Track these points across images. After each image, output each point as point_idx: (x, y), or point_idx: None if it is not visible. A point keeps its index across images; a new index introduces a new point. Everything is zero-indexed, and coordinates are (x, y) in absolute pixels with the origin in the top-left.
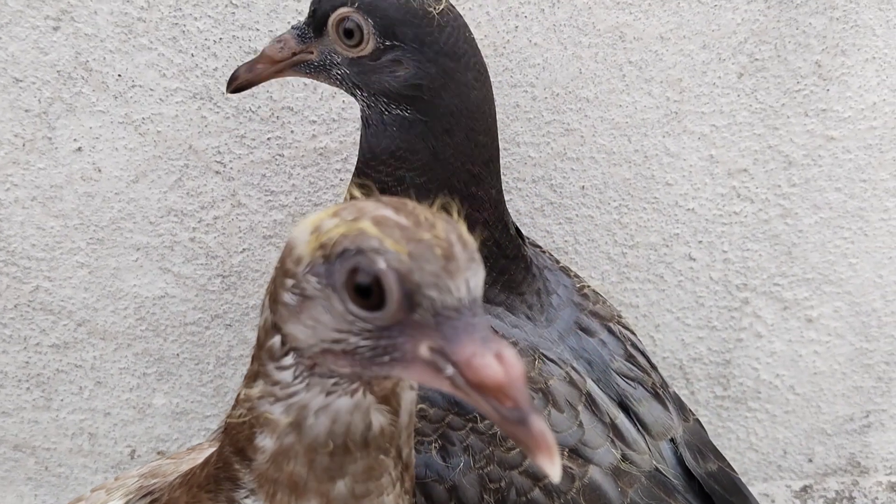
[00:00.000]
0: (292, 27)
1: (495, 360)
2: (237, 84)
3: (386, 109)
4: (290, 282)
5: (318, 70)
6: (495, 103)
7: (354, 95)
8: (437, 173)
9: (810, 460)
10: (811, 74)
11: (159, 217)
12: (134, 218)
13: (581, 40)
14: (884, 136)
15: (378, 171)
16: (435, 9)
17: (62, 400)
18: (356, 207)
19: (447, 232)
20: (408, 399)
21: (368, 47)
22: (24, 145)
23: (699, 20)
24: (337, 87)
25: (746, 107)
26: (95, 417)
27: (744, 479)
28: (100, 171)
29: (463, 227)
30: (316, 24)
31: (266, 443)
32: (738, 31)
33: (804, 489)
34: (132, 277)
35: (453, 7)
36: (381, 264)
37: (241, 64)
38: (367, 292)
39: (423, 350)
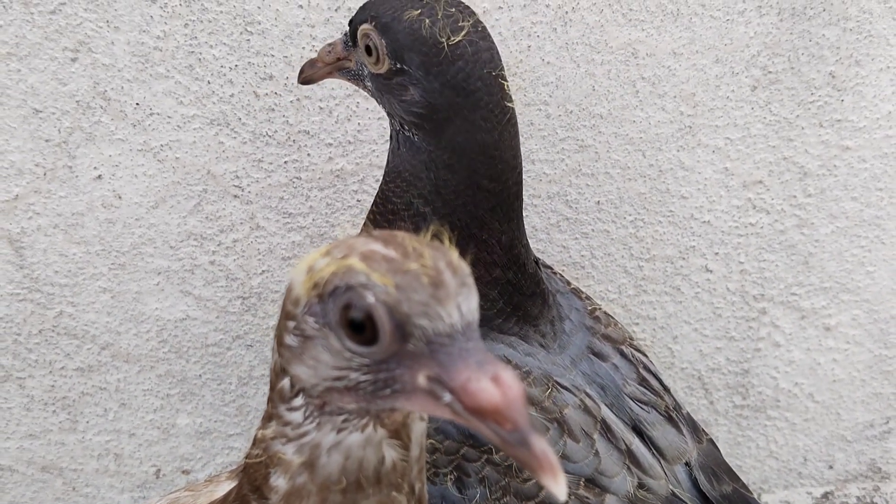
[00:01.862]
0: (344, 33)
1: (492, 382)
2: (302, 78)
3: (400, 129)
4: (291, 324)
5: (356, 78)
6: (515, 149)
7: (383, 109)
8: (439, 207)
9: (831, 467)
10: (825, 85)
11: (179, 241)
12: (154, 243)
13: (594, 58)
14: None
15: (391, 191)
16: (448, 40)
17: (88, 422)
18: (346, 244)
19: (435, 260)
20: (418, 431)
21: (384, 66)
22: (45, 174)
23: (711, 35)
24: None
25: (761, 119)
26: (121, 438)
27: (764, 487)
28: (120, 197)
29: (454, 254)
30: (351, 35)
31: (279, 482)
32: (751, 45)
33: (825, 496)
34: (154, 301)
35: (478, 43)
36: (370, 298)
37: (305, 62)
38: (361, 327)
39: (421, 379)
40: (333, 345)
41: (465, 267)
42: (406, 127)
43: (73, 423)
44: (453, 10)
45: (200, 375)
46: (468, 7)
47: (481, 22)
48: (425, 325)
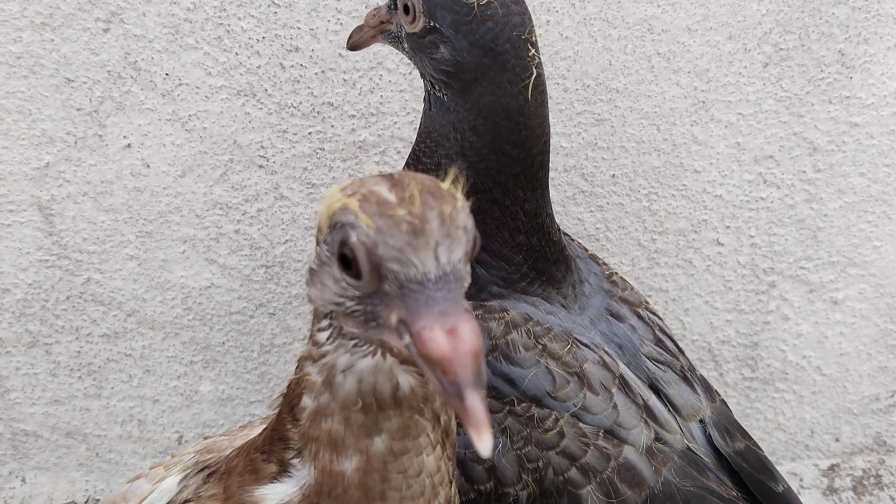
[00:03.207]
0: None
1: (446, 334)
2: (350, 43)
3: (432, 89)
4: (317, 249)
5: (395, 41)
6: (542, 118)
7: (417, 69)
8: (464, 169)
9: (837, 440)
10: (835, 63)
11: (205, 210)
12: (181, 211)
13: (611, 33)
14: None
15: (422, 151)
16: (479, 0)
17: (112, 388)
18: (359, 182)
19: (425, 208)
20: None
21: (419, 24)
22: (75, 143)
23: (725, 12)
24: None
25: (772, 95)
26: (144, 404)
27: (772, 459)
28: (148, 166)
29: (453, 204)
30: None
31: (307, 402)
32: (763, 22)
33: (831, 468)
34: (179, 269)
35: (509, 6)
36: (353, 238)
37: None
38: (349, 263)
39: (394, 318)
40: (334, 273)
41: (460, 218)
42: (437, 87)
43: (98, 388)
44: None
45: (224, 343)
46: None
47: None
48: (397, 269)
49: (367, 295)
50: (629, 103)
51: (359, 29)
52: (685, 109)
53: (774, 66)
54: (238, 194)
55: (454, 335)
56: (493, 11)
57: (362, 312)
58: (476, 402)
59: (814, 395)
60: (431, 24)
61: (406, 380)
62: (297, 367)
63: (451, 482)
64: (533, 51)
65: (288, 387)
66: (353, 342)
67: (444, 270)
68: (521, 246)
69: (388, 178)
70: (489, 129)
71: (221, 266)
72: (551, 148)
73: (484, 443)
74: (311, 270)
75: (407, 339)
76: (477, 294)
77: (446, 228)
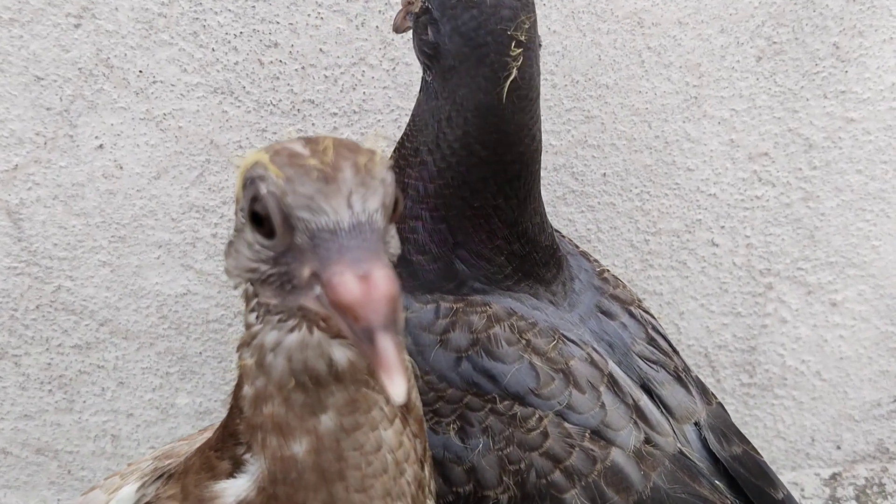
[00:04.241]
0: None
1: (358, 280)
2: (394, 26)
3: (423, 73)
4: (235, 220)
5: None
6: (521, 125)
7: None
8: (438, 160)
9: (838, 447)
10: (829, 56)
11: (181, 213)
12: (156, 215)
13: (600, 27)
14: None
15: (406, 136)
16: None
17: (84, 401)
18: (274, 142)
19: (338, 158)
20: None
21: (418, 4)
22: (45, 144)
23: (717, 4)
24: None
25: (766, 90)
26: (118, 419)
27: (772, 468)
28: (121, 168)
29: (370, 156)
30: None
31: (247, 390)
32: (756, 15)
33: (833, 477)
34: (154, 275)
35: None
36: (263, 189)
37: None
38: (261, 220)
39: (306, 273)
40: (247, 237)
41: (376, 169)
42: (424, 70)
43: (70, 402)
44: None
45: (201, 353)
46: None
47: None
48: (307, 217)
49: (280, 254)
50: (619, 99)
51: (400, 11)
52: (677, 105)
53: (768, 61)
54: (215, 196)
55: (367, 281)
56: (478, 1)
57: (277, 276)
58: (387, 344)
59: (814, 402)
60: (426, 4)
61: (342, 354)
62: (238, 357)
63: (420, 462)
64: (518, 50)
65: (236, 381)
66: (277, 317)
67: (359, 219)
68: (502, 249)
69: (304, 137)
70: (460, 123)
71: (198, 272)
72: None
73: (396, 387)
74: (229, 243)
75: (318, 290)
76: (457, 289)
77: (361, 177)
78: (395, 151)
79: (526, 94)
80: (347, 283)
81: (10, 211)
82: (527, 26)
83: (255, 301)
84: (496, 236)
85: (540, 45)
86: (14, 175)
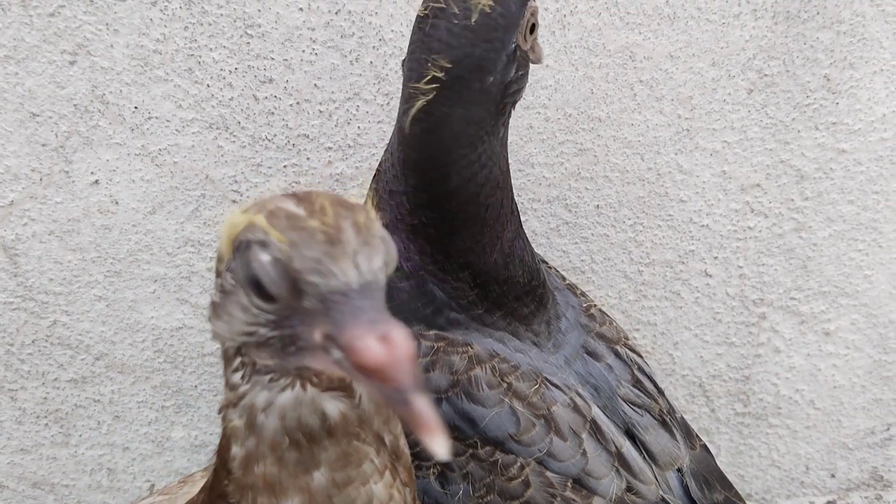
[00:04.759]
0: None
1: (379, 341)
2: None
3: None
4: (218, 281)
5: None
6: (443, 166)
7: None
8: (399, 180)
9: (833, 475)
10: (820, 88)
11: (176, 248)
12: (151, 249)
13: (592, 61)
14: (895, 148)
15: (384, 153)
16: (422, 8)
17: (80, 435)
18: (262, 201)
19: (338, 218)
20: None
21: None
22: (41, 180)
23: (708, 38)
24: None
25: (757, 122)
26: (114, 452)
27: (767, 497)
28: (117, 203)
29: (366, 214)
30: None
31: (236, 451)
32: (747, 48)
33: None
34: (150, 309)
35: (438, 25)
36: (264, 256)
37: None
38: (260, 285)
39: (318, 336)
40: (242, 300)
41: (374, 227)
42: None
43: (66, 436)
44: None
45: (196, 386)
46: None
47: (493, 14)
48: (317, 281)
49: (283, 317)
50: (612, 132)
51: None
52: (669, 138)
53: (759, 93)
54: (211, 231)
55: (387, 342)
56: (421, 24)
57: (279, 338)
58: (423, 405)
59: (808, 430)
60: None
61: (334, 407)
62: (222, 419)
63: None
64: (430, 86)
65: (220, 441)
66: (268, 377)
67: (366, 279)
68: (464, 280)
69: (293, 195)
70: (392, 140)
71: (193, 306)
72: (534, 179)
73: (439, 445)
74: (213, 304)
75: (337, 354)
76: (433, 316)
77: (363, 237)
78: (378, 167)
79: (432, 129)
80: (371, 347)
81: (6, 246)
82: (448, 65)
83: (237, 361)
84: (475, 274)
85: (511, 93)
86: (10, 211)
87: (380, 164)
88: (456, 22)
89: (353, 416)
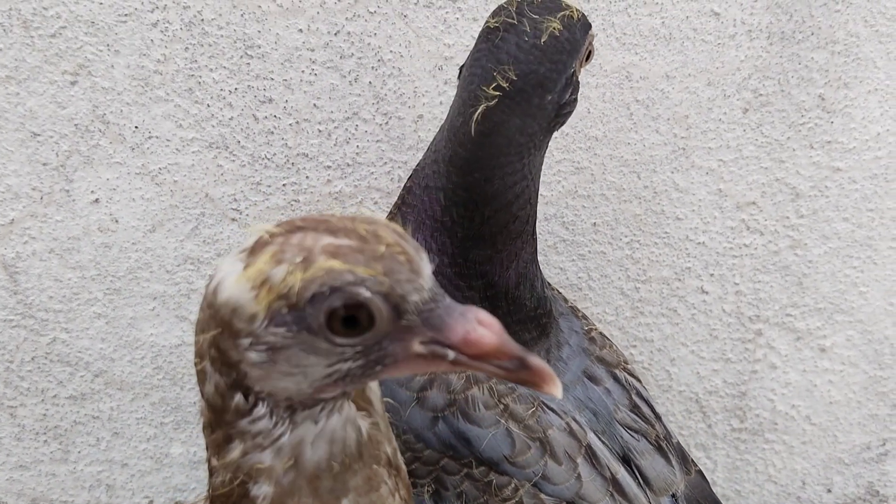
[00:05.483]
0: None
1: (482, 327)
2: None
3: None
4: (246, 341)
5: None
6: (489, 168)
7: None
8: (439, 188)
9: (829, 490)
10: (815, 108)
11: (176, 266)
12: (151, 267)
13: (589, 81)
14: (889, 166)
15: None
16: (492, 21)
17: (80, 452)
18: (295, 247)
19: (393, 237)
20: (375, 391)
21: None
22: (41, 198)
23: (703, 58)
24: None
25: (752, 141)
26: (113, 469)
27: None
28: (117, 221)
29: (395, 225)
30: None
31: (263, 490)
32: (742, 68)
33: None
34: (149, 327)
35: (500, 45)
36: (366, 293)
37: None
38: (354, 322)
39: (417, 347)
40: (320, 346)
41: (409, 236)
42: None
43: (65, 453)
44: (547, 13)
45: (195, 403)
46: (575, 21)
47: (560, 38)
48: (416, 299)
49: (374, 343)
50: (609, 151)
51: None
52: (665, 156)
53: (754, 112)
54: (210, 249)
55: (486, 325)
56: (489, 37)
57: (363, 365)
58: (538, 361)
59: (804, 446)
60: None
61: (364, 424)
62: (224, 474)
63: None
64: (495, 93)
65: (215, 498)
66: (318, 408)
67: (433, 281)
68: (479, 292)
69: (315, 228)
70: (437, 137)
71: (192, 323)
72: None
73: (559, 389)
74: (253, 365)
75: (451, 353)
76: None
77: (413, 246)
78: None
79: (487, 132)
80: (484, 334)
81: (7, 264)
82: (514, 78)
83: (261, 407)
84: (478, 292)
85: (563, 114)
86: (10, 229)
87: (418, 163)
88: (526, 39)
89: (374, 435)
